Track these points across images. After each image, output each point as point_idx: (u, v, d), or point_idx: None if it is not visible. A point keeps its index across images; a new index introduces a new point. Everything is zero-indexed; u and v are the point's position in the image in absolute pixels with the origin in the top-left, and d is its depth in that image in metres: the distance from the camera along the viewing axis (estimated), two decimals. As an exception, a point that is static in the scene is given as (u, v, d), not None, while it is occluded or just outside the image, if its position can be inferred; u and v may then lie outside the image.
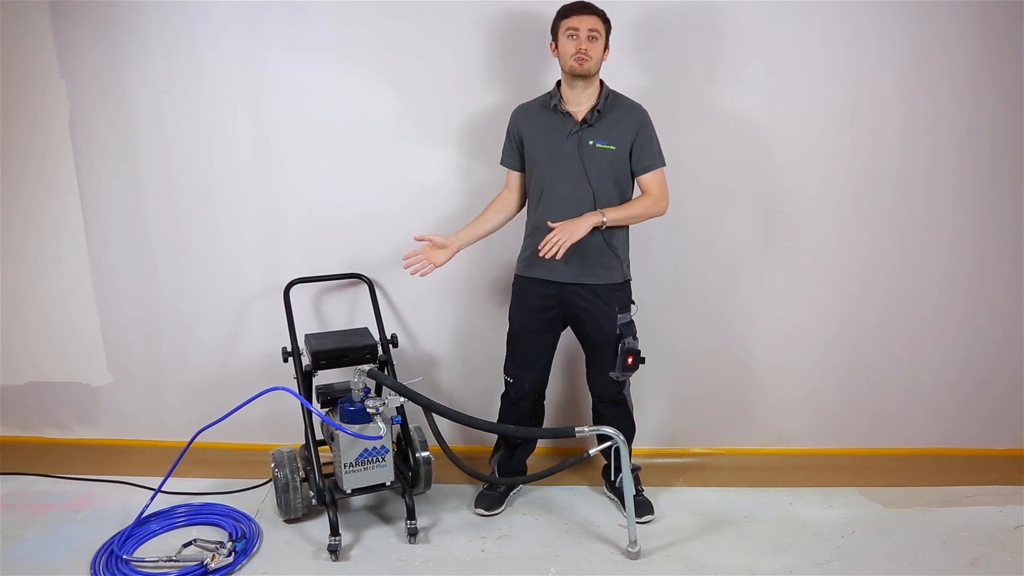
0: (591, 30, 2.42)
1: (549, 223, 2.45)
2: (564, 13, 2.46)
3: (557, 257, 2.39)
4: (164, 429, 3.15)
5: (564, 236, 2.39)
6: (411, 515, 2.58)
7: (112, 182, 2.97)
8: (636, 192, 2.61)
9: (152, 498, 2.64)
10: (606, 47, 2.49)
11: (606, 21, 2.47)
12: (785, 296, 3.00)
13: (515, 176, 2.67)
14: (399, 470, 2.72)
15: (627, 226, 2.62)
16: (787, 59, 2.79)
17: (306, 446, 2.67)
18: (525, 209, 2.69)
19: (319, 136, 2.91)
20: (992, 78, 2.78)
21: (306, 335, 2.80)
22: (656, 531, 2.64)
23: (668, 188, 2.57)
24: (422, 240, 2.59)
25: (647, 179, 2.56)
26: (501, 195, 2.70)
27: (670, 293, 2.98)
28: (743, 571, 2.42)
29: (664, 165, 2.57)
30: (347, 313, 3.07)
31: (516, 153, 2.63)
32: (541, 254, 2.41)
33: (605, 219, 2.45)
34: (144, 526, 2.60)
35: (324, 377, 2.74)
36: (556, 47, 2.50)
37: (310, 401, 2.67)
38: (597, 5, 2.46)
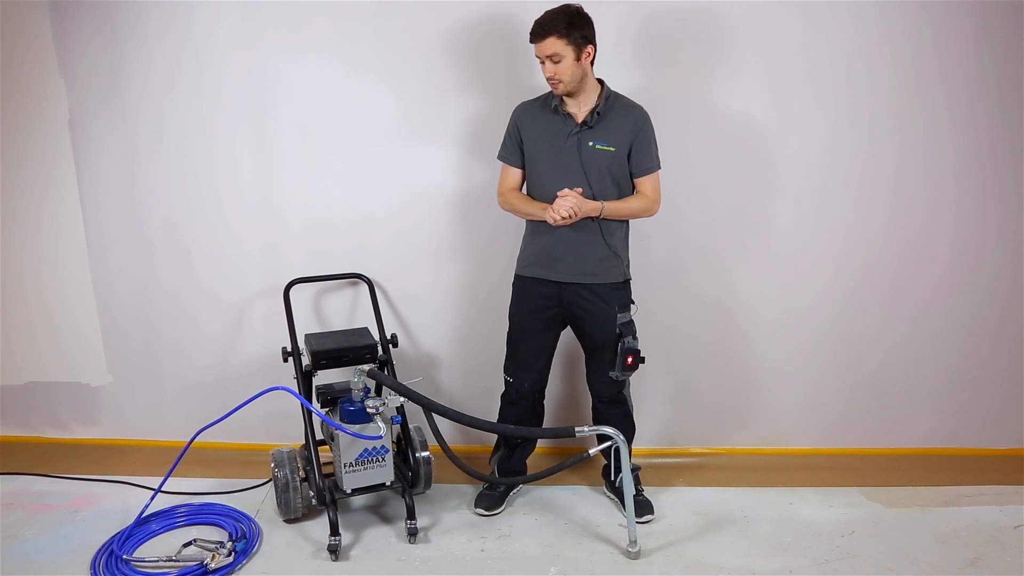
0: (550, 56, 2.39)
1: (558, 193, 2.45)
2: (530, 39, 2.43)
3: (554, 222, 2.44)
4: (164, 429, 3.15)
5: (572, 208, 2.41)
6: (411, 515, 2.58)
7: (112, 182, 2.97)
8: (636, 192, 2.62)
9: (152, 498, 2.64)
10: (584, 49, 2.41)
11: (566, 33, 2.36)
12: (785, 297, 3.00)
13: (518, 172, 2.64)
14: (399, 470, 2.72)
15: (627, 226, 2.63)
16: (787, 59, 2.79)
17: (306, 446, 2.67)
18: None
19: (319, 136, 2.91)
20: (991, 77, 2.78)
21: (306, 335, 2.80)
22: (656, 531, 2.64)
23: (661, 192, 2.58)
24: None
25: (643, 182, 2.57)
26: (512, 189, 2.65)
27: (670, 293, 2.98)
28: (743, 571, 2.42)
29: (659, 168, 2.57)
30: (347, 313, 3.07)
31: (517, 150, 2.62)
32: (550, 215, 2.44)
33: (603, 210, 2.48)
34: (144, 526, 2.60)
35: (324, 377, 2.74)
36: None
37: (310, 401, 2.67)
38: (558, 17, 2.37)
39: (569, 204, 2.42)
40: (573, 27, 2.38)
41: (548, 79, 2.44)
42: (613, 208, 2.50)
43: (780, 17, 2.75)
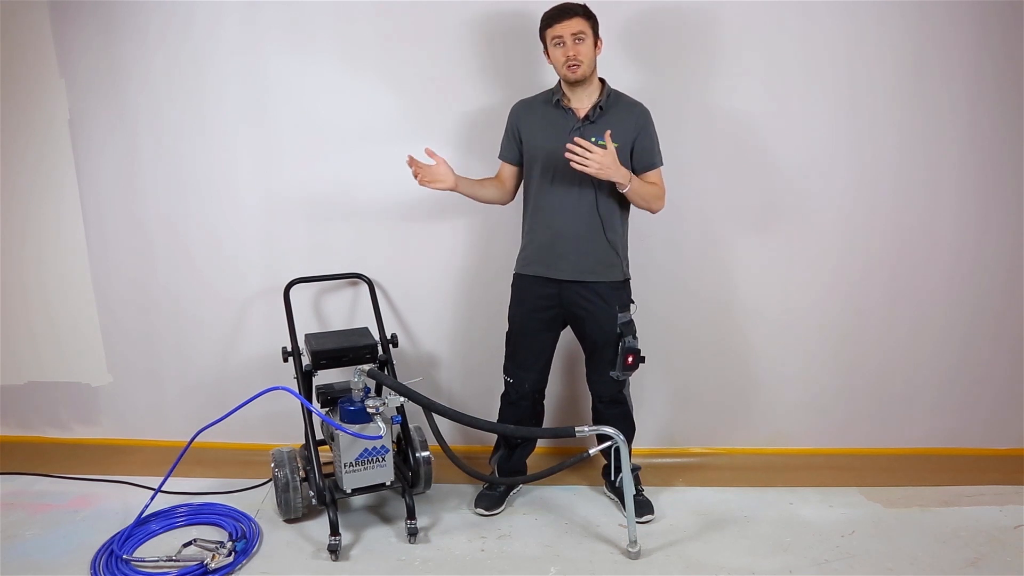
0: (575, 34, 2.40)
1: (591, 141, 2.36)
2: (546, 22, 2.44)
3: (576, 166, 2.33)
4: (164, 429, 3.15)
5: (596, 163, 2.33)
6: (411, 515, 2.58)
7: (112, 182, 2.97)
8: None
9: (152, 498, 2.64)
10: (597, 41, 2.47)
11: (589, 17, 2.43)
12: (785, 296, 3.00)
13: (509, 169, 2.67)
14: (399, 470, 2.72)
15: (627, 223, 2.63)
16: (787, 58, 2.79)
17: (306, 446, 2.67)
18: (522, 206, 2.69)
19: (319, 135, 2.91)
20: (991, 77, 2.78)
21: (306, 335, 2.80)
22: (656, 531, 2.64)
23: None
24: (433, 156, 2.52)
25: (650, 177, 2.56)
26: (495, 179, 2.70)
27: (670, 292, 2.98)
28: (743, 571, 2.42)
29: (663, 165, 2.58)
30: (347, 313, 3.07)
31: (515, 148, 2.63)
32: (568, 155, 2.33)
33: (629, 186, 2.44)
34: (144, 526, 2.60)
35: (324, 377, 2.74)
36: (547, 54, 2.50)
37: (310, 401, 2.67)
38: (576, 5, 2.43)
39: (590, 158, 2.33)
40: (591, 15, 2.45)
41: (567, 60, 2.42)
42: (637, 184, 2.48)
43: (780, 16, 2.75)
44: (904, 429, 3.13)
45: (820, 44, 2.78)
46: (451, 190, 2.58)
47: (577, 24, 2.40)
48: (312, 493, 2.59)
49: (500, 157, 2.68)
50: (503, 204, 2.71)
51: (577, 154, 2.34)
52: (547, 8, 2.46)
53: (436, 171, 2.54)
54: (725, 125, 2.85)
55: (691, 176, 2.86)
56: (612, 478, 2.77)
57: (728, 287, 3.00)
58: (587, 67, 2.45)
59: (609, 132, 2.41)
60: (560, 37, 2.41)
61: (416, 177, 2.53)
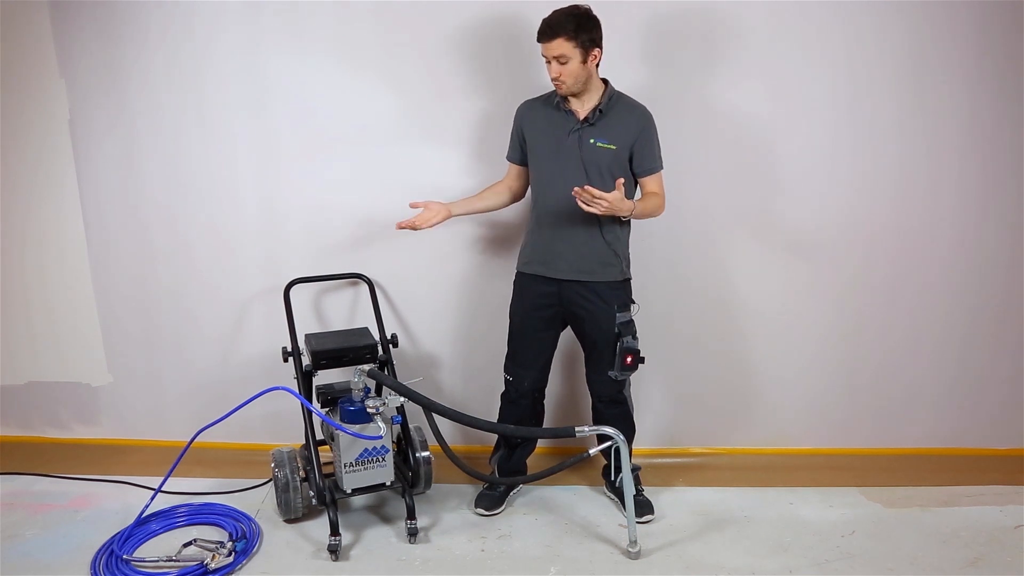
0: (557, 57, 2.38)
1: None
2: (537, 37, 2.43)
3: (584, 208, 2.34)
4: (164, 429, 3.15)
5: (603, 206, 2.32)
6: (411, 515, 2.58)
7: (112, 182, 2.97)
8: (637, 193, 2.61)
9: (152, 498, 2.64)
10: (591, 52, 2.41)
11: (574, 36, 2.35)
12: (785, 297, 3.00)
13: (515, 169, 2.69)
14: (399, 470, 2.72)
15: (628, 224, 2.63)
16: (788, 57, 2.79)
17: (306, 446, 2.67)
18: (527, 203, 2.70)
19: (319, 135, 2.91)
20: (992, 76, 2.78)
21: (306, 335, 2.80)
22: (656, 531, 2.64)
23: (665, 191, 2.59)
24: (416, 207, 2.59)
25: (649, 181, 2.56)
26: (501, 181, 2.73)
27: (670, 292, 2.98)
28: (743, 571, 2.42)
29: (663, 168, 2.58)
30: (347, 313, 3.07)
31: (519, 148, 2.64)
32: (575, 192, 2.32)
33: (633, 211, 2.44)
34: (144, 526, 2.60)
35: (324, 377, 2.74)
36: None
37: (310, 401, 2.67)
38: (567, 19, 2.36)
39: (599, 201, 2.33)
40: (581, 30, 2.37)
41: (553, 79, 2.44)
42: (639, 210, 2.48)
43: (780, 16, 2.75)
44: (904, 429, 3.13)
45: (820, 44, 2.78)
46: (447, 219, 2.62)
47: (558, 47, 2.36)
48: (312, 493, 2.59)
49: (507, 158, 2.69)
50: (512, 204, 2.73)
51: (585, 200, 2.32)
52: (549, 9, 2.43)
53: (427, 214, 2.58)
54: (725, 125, 2.85)
55: (691, 176, 2.85)
56: (612, 478, 2.77)
57: (728, 287, 3.00)
58: (572, 86, 2.43)
59: (621, 180, 2.37)
60: (546, 56, 2.41)
61: (416, 229, 2.58)
